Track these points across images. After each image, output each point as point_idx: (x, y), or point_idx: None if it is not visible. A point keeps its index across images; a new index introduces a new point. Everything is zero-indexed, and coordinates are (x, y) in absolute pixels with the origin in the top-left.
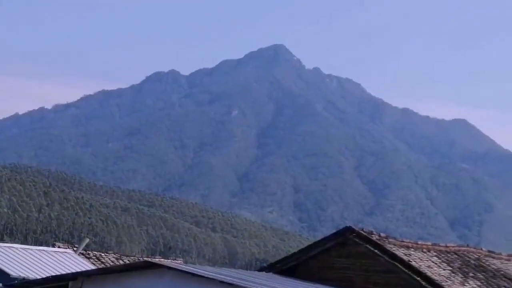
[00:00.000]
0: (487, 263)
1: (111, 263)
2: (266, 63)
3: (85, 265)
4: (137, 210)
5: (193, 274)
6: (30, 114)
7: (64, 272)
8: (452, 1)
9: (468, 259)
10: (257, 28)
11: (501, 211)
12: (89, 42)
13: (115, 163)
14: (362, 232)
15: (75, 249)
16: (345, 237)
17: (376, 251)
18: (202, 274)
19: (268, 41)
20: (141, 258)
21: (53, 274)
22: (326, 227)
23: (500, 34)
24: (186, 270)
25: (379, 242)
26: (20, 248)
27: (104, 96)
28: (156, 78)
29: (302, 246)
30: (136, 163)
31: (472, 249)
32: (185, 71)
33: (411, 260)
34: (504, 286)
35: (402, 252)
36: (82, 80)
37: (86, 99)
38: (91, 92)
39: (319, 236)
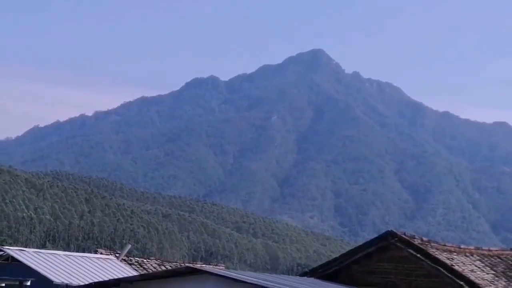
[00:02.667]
0: None
1: (153, 269)
2: (305, 68)
3: (128, 271)
4: (178, 216)
5: (235, 280)
6: (71, 121)
7: (106, 279)
8: (492, 7)
9: (511, 263)
10: (296, 33)
11: None
12: (129, 50)
13: (156, 170)
14: (404, 236)
15: (117, 255)
16: (387, 241)
17: (418, 255)
18: (245, 280)
19: (307, 46)
20: (183, 264)
21: (96, 280)
22: (367, 231)
23: None
24: (228, 275)
25: (421, 246)
26: (63, 254)
27: (144, 103)
28: (196, 84)
29: (343, 251)
30: (177, 169)
31: None
32: (224, 76)
33: (454, 264)
34: None
35: (445, 256)
36: (122, 88)
37: (126, 106)
38: (131, 99)
39: (361, 240)
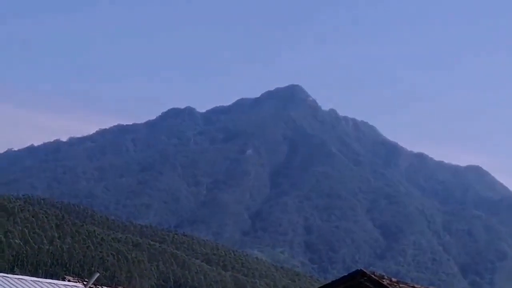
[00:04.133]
0: None
1: None
2: (282, 103)
3: None
4: (148, 246)
5: None
6: (45, 146)
7: None
8: (465, 45)
9: None
10: (274, 68)
11: None
12: (106, 77)
13: (128, 198)
14: (373, 276)
15: (85, 283)
16: (356, 280)
17: None
18: None
19: (285, 81)
20: None
21: None
22: (337, 269)
23: None
24: None
25: (390, 286)
26: (30, 280)
27: (120, 130)
28: (172, 114)
29: None
30: (149, 199)
31: None
32: (201, 108)
33: None
34: None
35: None
36: (98, 115)
37: (101, 133)
38: (107, 127)
39: (330, 278)
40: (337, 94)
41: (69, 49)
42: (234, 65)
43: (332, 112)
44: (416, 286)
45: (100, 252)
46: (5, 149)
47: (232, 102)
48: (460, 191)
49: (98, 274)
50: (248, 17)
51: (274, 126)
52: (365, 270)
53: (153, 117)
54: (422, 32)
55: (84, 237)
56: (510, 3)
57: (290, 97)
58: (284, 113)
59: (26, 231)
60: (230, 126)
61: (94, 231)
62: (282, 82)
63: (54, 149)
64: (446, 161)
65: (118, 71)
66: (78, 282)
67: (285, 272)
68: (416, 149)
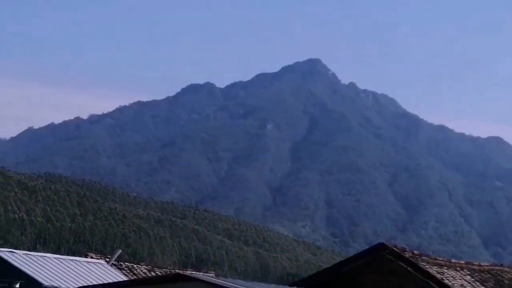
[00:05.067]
0: None
1: (143, 275)
2: (301, 77)
3: (117, 276)
4: (170, 222)
5: None
6: (65, 124)
7: (96, 283)
8: (484, 21)
9: (501, 278)
10: (293, 42)
11: None
12: (126, 54)
13: (149, 175)
14: (395, 249)
15: (107, 259)
16: (378, 253)
17: (409, 268)
18: None
19: (304, 55)
20: (173, 270)
21: (85, 284)
22: (358, 243)
23: None
24: (218, 283)
25: (412, 259)
26: (53, 257)
27: (140, 107)
28: (191, 90)
29: (334, 262)
30: (170, 175)
31: (506, 269)
32: (221, 83)
33: (444, 278)
34: None
35: (435, 270)
36: (118, 91)
37: (121, 110)
38: (127, 103)
39: (352, 251)
40: (356, 68)
41: (90, 28)
42: (252, 40)
43: (352, 85)
44: (438, 258)
45: (122, 229)
46: (25, 128)
47: (251, 77)
48: (481, 163)
49: (120, 251)
50: None
51: (294, 101)
52: (386, 244)
53: (172, 93)
54: (439, 4)
55: (106, 214)
56: None
57: (310, 71)
58: (303, 88)
59: (48, 209)
60: (249, 101)
61: (116, 208)
62: (301, 57)
63: (74, 126)
64: (467, 133)
65: (137, 47)
66: (101, 259)
67: (306, 247)
68: (436, 121)
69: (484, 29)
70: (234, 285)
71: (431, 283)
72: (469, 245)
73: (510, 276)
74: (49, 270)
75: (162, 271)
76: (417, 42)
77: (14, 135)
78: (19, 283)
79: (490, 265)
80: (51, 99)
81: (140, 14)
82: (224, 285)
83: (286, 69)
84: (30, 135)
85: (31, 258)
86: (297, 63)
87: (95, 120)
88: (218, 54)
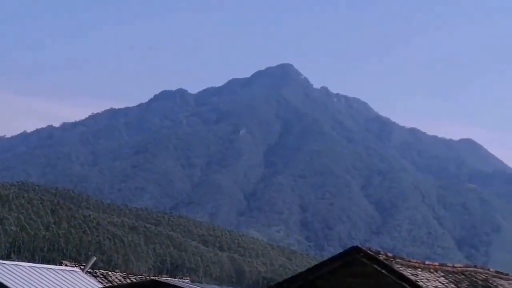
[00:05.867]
0: (495, 283)
1: (118, 282)
2: (274, 82)
3: (92, 284)
4: (144, 229)
5: None
6: (38, 132)
7: None
8: (461, 18)
9: (475, 279)
10: (265, 47)
11: (509, 231)
12: (97, 61)
13: (123, 182)
14: (369, 251)
15: (82, 267)
16: (352, 256)
17: (383, 271)
18: None
19: (276, 60)
20: (148, 277)
21: None
22: (333, 246)
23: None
24: None
25: (386, 262)
26: (27, 266)
27: (112, 114)
28: (164, 96)
29: (309, 266)
30: (144, 182)
31: (479, 270)
32: (193, 89)
33: (418, 280)
34: None
35: (410, 272)
36: (90, 99)
37: (94, 117)
38: (99, 111)
39: (326, 255)
40: (328, 72)
41: (61, 35)
42: (224, 46)
43: (324, 89)
44: (412, 260)
45: (96, 236)
46: None
47: (224, 83)
48: (454, 165)
49: (95, 258)
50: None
51: (267, 106)
52: (361, 247)
53: (145, 100)
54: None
55: (80, 221)
56: None
57: (282, 76)
58: (276, 92)
59: (22, 217)
60: (222, 107)
61: (90, 215)
62: (273, 62)
63: (47, 135)
64: (439, 135)
65: (109, 54)
66: (75, 266)
67: (281, 251)
68: (409, 124)
69: (454, 27)
70: None
71: (406, 285)
72: (443, 247)
73: (483, 277)
74: (23, 279)
75: (137, 278)
76: (389, 45)
77: None
78: None
79: (463, 267)
80: (23, 108)
81: (113, 23)
82: None
83: (258, 74)
84: (3, 143)
85: (4, 267)
86: (269, 68)
87: (67, 128)
88: (190, 60)
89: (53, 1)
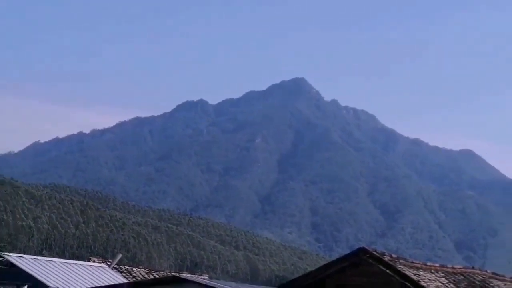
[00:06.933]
0: (491, 284)
1: (142, 277)
2: (287, 95)
3: (118, 279)
4: (166, 229)
5: None
6: (69, 138)
7: (98, 285)
8: (460, 28)
9: (473, 280)
10: (280, 63)
11: (505, 236)
12: (125, 73)
13: (147, 185)
14: (375, 253)
15: (108, 263)
16: (359, 257)
17: (388, 271)
18: None
19: (290, 74)
20: (170, 273)
21: (88, 287)
22: (341, 247)
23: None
24: (211, 285)
25: (390, 262)
26: (58, 261)
27: (138, 122)
28: (186, 106)
29: (318, 265)
30: (166, 185)
31: (477, 271)
32: (213, 100)
33: (420, 280)
34: None
35: (412, 273)
36: (118, 108)
37: (121, 125)
38: (126, 119)
39: (335, 255)
40: (338, 85)
41: (89, 49)
42: (242, 60)
43: (334, 102)
44: (414, 261)
45: (122, 235)
46: (32, 142)
47: (241, 95)
48: (454, 174)
49: (120, 255)
50: (254, 15)
51: (281, 117)
52: (367, 248)
53: (168, 109)
54: (411, 24)
55: (107, 221)
56: None
57: (295, 89)
58: (289, 104)
59: (53, 216)
60: (239, 117)
61: (116, 215)
62: (287, 76)
63: (77, 141)
64: (440, 146)
65: (136, 67)
66: (102, 263)
67: (293, 251)
68: (412, 135)
69: (451, 44)
70: (225, 286)
71: (408, 285)
72: (443, 250)
73: (481, 278)
74: (54, 273)
75: (159, 274)
76: (395, 61)
77: (22, 148)
78: (27, 286)
79: (462, 268)
80: (56, 115)
81: (138, 38)
82: (216, 286)
83: (273, 87)
84: (37, 148)
85: (38, 262)
86: (283, 81)
87: (96, 134)
88: (211, 73)
89: (93, 13)
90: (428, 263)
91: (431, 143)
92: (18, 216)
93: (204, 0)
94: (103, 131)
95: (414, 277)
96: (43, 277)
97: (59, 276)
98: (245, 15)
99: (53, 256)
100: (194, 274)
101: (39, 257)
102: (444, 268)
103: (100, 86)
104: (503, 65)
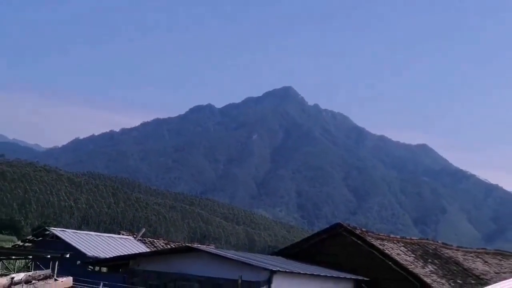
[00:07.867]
0: (442, 252)
1: (161, 247)
2: (278, 100)
3: (142, 248)
4: (181, 208)
5: (222, 256)
6: (103, 135)
7: (126, 253)
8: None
9: (427, 249)
10: (272, 74)
11: (452, 213)
12: (147, 83)
13: (165, 173)
14: (348, 227)
15: (134, 236)
16: (336, 230)
17: (359, 241)
18: (229, 257)
19: (280, 83)
20: (183, 244)
21: (118, 254)
22: (321, 222)
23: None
24: (217, 253)
25: (361, 235)
26: (94, 234)
27: (158, 123)
28: (197, 109)
29: (303, 237)
30: (181, 173)
31: (430, 242)
32: (219, 104)
33: (385, 249)
34: (454, 269)
35: (378, 243)
36: (142, 111)
37: (144, 124)
38: (149, 120)
39: (316, 229)
40: (319, 92)
41: (119, 64)
42: (242, 72)
43: (316, 106)
44: (380, 234)
45: (145, 213)
46: (73, 138)
47: (241, 100)
48: (412, 163)
49: (144, 230)
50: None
51: (273, 118)
52: (342, 223)
53: (182, 112)
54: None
55: (133, 202)
56: None
57: (284, 95)
58: (280, 108)
59: (90, 198)
60: (240, 118)
61: (140, 197)
62: (278, 84)
63: (109, 137)
64: (401, 141)
65: (158, 78)
66: (130, 235)
67: (282, 226)
68: (379, 133)
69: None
70: (229, 254)
71: (375, 252)
72: (403, 224)
73: (433, 247)
74: (91, 244)
75: (175, 244)
76: (366, 70)
77: (65, 143)
78: (68, 254)
79: (418, 239)
80: (93, 117)
81: (158, 53)
82: (221, 254)
83: (267, 94)
84: (77, 143)
85: (77, 235)
86: (275, 89)
87: (125, 132)
88: (217, 82)
89: (118, 26)
90: (391, 235)
91: (394, 139)
92: (61, 198)
93: (212, 18)
94: (130, 130)
95: (380, 246)
96: (82, 247)
97: (95, 246)
98: (251, 44)
99: (90, 230)
100: (203, 245)
101: (78, 231)
102: (404, 239)
103: (128, 93)
104: (449, 73)
